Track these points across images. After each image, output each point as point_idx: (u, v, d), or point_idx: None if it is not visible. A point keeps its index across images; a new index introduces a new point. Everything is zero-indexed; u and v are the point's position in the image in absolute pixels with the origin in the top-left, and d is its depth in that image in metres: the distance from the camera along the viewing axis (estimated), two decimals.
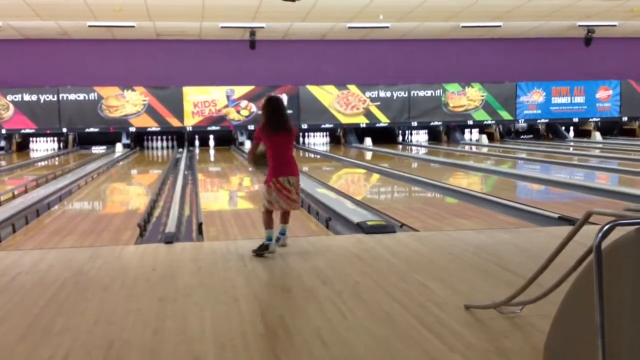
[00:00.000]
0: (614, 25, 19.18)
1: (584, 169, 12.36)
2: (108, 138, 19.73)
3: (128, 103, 19.46)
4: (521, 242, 5.45)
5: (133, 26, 17.44)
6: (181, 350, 3.11)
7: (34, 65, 19.24)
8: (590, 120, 21.79)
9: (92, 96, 19.26)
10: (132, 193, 10.94)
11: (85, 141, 19.94)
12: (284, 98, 19.95)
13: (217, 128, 19.99)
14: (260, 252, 5.05)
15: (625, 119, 21.98)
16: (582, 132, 22.02)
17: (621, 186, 9.39)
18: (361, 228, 6.06)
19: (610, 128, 22.14)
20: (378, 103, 20.67)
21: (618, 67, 21.65)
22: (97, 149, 19.46)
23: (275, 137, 5.16)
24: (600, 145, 18.48)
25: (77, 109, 19.17)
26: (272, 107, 5.26)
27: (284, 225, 5.39)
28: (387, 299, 3.86)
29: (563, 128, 21.96)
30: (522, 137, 22.00)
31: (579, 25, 19.11)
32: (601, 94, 21.70)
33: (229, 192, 10.70)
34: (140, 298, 3.99)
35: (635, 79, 21.78)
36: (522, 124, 21.85)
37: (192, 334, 3.32)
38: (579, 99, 21.62)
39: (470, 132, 21.80)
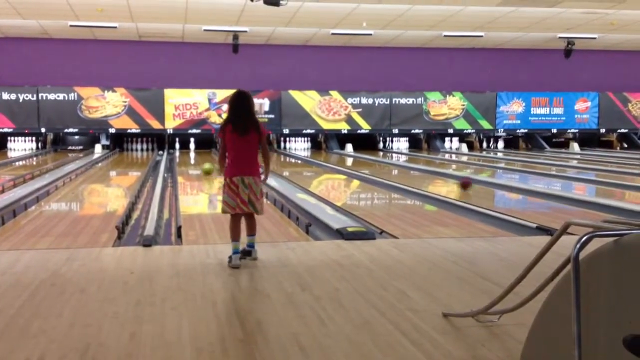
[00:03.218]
0: (594, 38, 19.44)
1: (561, 180, 12.48)
2: (83, 140, 19.65)
3: (108, 104, 19.32)
4: (499, 250, 5.49)
5: (115, 27, 17.34)
6: (158, 354, 3.09)
7: (14, 64, 19.05)
8: (569, 131, 22.05)
9: (71, 96, 19.10)
10: (111, 195, 10.86)
11: (64, 141, 19.81)
12: (266, 102, 19.96)
13: (198, 131, 19.92)
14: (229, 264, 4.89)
15: (603, 130, 22.27)
16: (559, 143, 22.28)
17: (598, 197, 9.50)
18: (341, 234, 6.07)
19: (588, 139, 22.41)
20: (360, 109, 20.74)
21: (597, 80, 21.95)
22: (74, 149, 19.32)
23: (240, 137, 4.93)
24: (578, 157, 18.68)
25: (56, 109, 18.99)
26: (237, 105, 4.99)
27: (250, 238, 5.09)
28: (366, 305, 3.87)
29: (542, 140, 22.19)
30: (497, 146, 22.20)
31: (560, 37, 19.35)
32: (580, 105, 21.97)
33: (208, 195, 10.65)
34: (118, 301, 3.95)
35: (613, 91, 22.08)
36: (501, 134, 22.02)
37: (170, 338, 3.30)
38: (558, 110, 21.87)
39: (451, 141, 21.95)
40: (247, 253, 5.05)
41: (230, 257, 4.89)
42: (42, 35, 18.65)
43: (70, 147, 19.75)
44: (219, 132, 5.08)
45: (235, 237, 4.95)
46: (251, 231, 5.10)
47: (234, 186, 4.93)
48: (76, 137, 19.87)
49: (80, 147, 19.55)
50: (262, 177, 5.10)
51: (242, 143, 4.96)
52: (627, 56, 22.11)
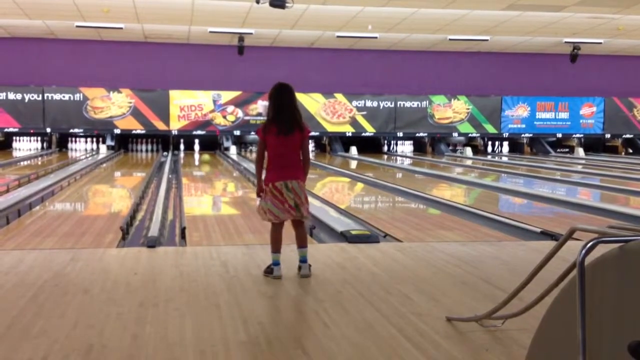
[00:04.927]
0: (600, 43, 19.40)
1: (566, 185, 12.45)
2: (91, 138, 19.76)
3: (113, 105, 19.36)
4: (503, 255, 5.47)
5: (121, 28, 17.37)
6: (161, 356, 3.08)
7: (20, 63, 19.11)
8: (574, 136, 22.02)
9: (77, 97, 19.14)
10: (115, 195, 10.87)
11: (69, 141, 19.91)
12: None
13: (203, 132, 19.94)
14: (266, 274, 4.63)
15: (608, 136, 22.22)
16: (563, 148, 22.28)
17: (603, 202, 9.47)
18: (345, 237, 6.06)
19: (593, 145, 22.37)
20: (364, 112, 20.74)
21: (602, 85, 21.91)
22: (79, 148, 19.39)
23: (284, 138, 4.54)
24: (583, 162, 18.64)
25: (61, 109, 19.04)
26: (281, 100, 4.57)
27: (301, 251, 4.65)
28: (369, 309, 3.86)
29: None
30: (502, 150, 22.19)
31: (565, 42, 19.32)
32: (585, 110, 21.92)
33: (213, 197, 10.66)
34: (121, 302, 3.95)
35: (619, 96, 22.03)
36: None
37: (172, 340, 3.29)
38: (563, 115, 21.83)
39: (455, 145, 21.94)
40: (298, 269, 4.70)
41: (269, 268, 4.61)
42: (48, 36, 18.70)
43: (76, 147, 19.81)
44: (258, 132, 4.63)
45: (276, 248, 4.60)
46: (302, 242, 4.67)
47: (278, 192, 4.54)
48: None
49: (85, 141, 19.69)
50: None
51: (284, 144, 4.54)
52: (633, 61, 22.07)
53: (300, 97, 20.07)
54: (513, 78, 21.64)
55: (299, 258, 4.69)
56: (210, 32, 17.80)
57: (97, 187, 11.45)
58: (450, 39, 18.80)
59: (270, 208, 4.59)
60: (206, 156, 15.25)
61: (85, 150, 19.59)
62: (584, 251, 2.03)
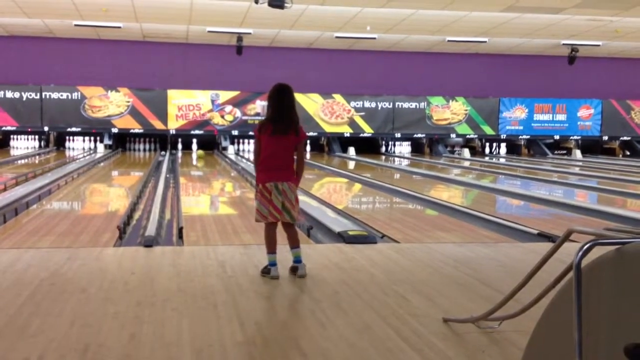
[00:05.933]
0: (598, 45, 19.44)
1: (564, 186, 12.47)
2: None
3: (111, 104, 19.35)
4: (500, 256, 5.48)
5: (119, 27, 17.37)
6: (158, 355, 3.08)
7: (18, 62, 19.10)
8: (571, 138, 22.05)
9: (75, 95, 19.13)
10: (113, 195, 10.86)
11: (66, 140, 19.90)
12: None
13: (201, 132, 19.94)
14: (263, 274, 4.64)
15: (605, 138, 22.26)
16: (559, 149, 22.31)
17: (600, 204, 9.49)
18: (342, 237, 6.06)
19: (590, 147, 22.40)
20: (362, 113, 20.76)
21: (600, 87, 21.95)
22: (77, 147, 19.38)
23: (278, 139, 4.56)
24: (581, 164, 18.66)
25: (59, 108, 19.03)
26: (281, 102, 4.62)
27: (294, 251, 4.65)
28: (366, 310, 3.86)
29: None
30: (500, 152, 22.21)
31: (563, 44, 19.35)
32: (583, 112, 21.96)
33: (210, 196, 10.66)
34: (118, 301, 3.95)
35: (616, 98, 22.07)
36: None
37: (169, 339, 3.29)
38: (561, 117, 21.87)
39: (453, 146, 21.96)
40: (294, 269, 4.66)
41: (267, 268, 4.61)
42: (46, 34, 18.69)
43: (74, 147, 19.81)
44: (255, 131, 4.67)
45: (271, 249, 4.60)
46: (294, 243, 4.65)
47: (267, 192, 4.55)
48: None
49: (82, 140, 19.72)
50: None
51: (279, 145, 4.56)
52: (631, 64, 22.12)
53: (298, 97, 19.94)
54: (511, 80, 21.68)
55: (293, 259, 4.68)
56: (209, 31, 17.80)
57: (95, 186, 11.44)
58: (448, 41, 18.83)
59: (259, 207, 4.62)
60: (201, 151, 15.63)
61: (83, 149, 19.59)
62: (580, 253, 2.03)
